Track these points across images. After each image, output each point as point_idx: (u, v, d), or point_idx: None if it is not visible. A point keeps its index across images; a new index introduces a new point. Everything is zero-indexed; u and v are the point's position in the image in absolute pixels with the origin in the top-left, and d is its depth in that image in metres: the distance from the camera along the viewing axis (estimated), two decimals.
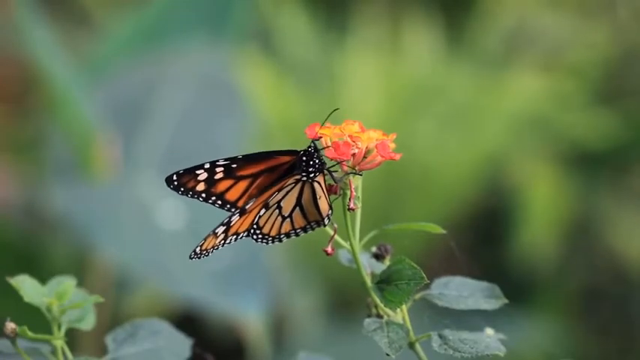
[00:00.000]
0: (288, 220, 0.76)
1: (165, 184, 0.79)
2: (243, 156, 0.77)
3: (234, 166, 0.77)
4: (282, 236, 0.77)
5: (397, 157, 0.74)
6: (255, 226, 0.77)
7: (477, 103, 2.16)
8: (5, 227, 1.86)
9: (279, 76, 2.14)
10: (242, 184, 0.77)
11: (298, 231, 0.77)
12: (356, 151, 0.73)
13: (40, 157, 1.91)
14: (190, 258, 0.77)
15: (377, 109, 2.09)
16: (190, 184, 0.78)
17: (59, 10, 2.32)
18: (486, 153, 2.13)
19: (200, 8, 1.90)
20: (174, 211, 1.62)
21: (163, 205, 1.63)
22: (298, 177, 0.75)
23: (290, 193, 0.76)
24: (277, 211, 0.76)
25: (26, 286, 0.76)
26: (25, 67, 2.06)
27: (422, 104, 2.15)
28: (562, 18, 2.39)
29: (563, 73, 2.31)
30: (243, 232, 0.77)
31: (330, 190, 0.75)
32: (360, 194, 0.74)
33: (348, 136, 0.74)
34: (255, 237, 0.77)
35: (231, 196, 0.78)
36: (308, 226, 0.76)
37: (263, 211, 0.76)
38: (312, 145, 0.76)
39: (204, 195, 0.78)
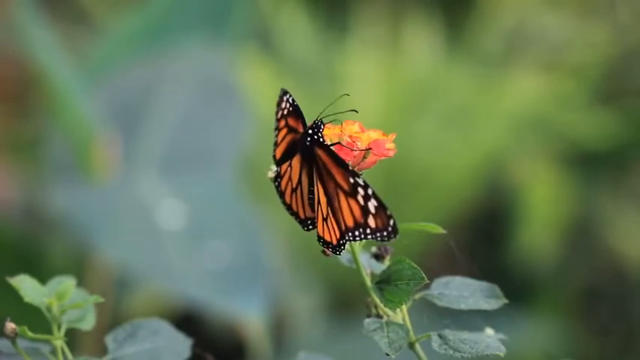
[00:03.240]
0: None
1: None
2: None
3: None
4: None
5: (391, 154, 0.73)
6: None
7: (477, 103, 2.16)
8: (5, 227, 1.86)
9: (279, 76, 2.13)
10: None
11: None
12: (356, 151, 0.73)
13: (40, 157, 1.91)
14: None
15: (377, 109, 2.09)
16: None
17: (59, 10, 2.32)
18: (486, 153, 2.13)
19: (200, 8, 1.90)
20: (174, 211, 1.62)
21: (163, 205, 1.63)
22: None
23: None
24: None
25: (26, 286, 0.76)
26: (25, 67, 2.06)
27: (422, 104, 2.14)
28: (562, 18, 2.39)
29: (563, 73, 2.31)
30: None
31: None
32: None
33: (348, 136, 0.74)
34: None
35: None
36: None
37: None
38: (319, 120, 0.75)
39: None
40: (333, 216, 0.70)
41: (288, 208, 0.75)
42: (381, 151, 0.73)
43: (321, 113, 0.75)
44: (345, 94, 0.79)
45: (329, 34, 2.28)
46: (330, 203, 0.71)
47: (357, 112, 0.77)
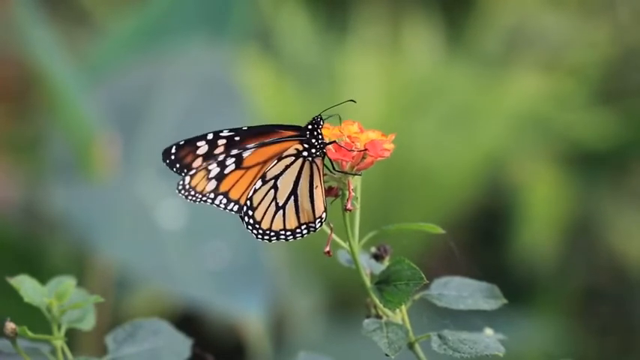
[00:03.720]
0: (281, 213, 0.73)
1: (162, 158, 0.75)
2: (247, 127, 0.74)
3: (236, 138, 0.74)
4: (271, 233, 0.74)
5: (386, 154, 0.73)
6: (248, 203, 0.73)
7: (477, 103, 2.16)
8: (5, 227, 1.86)
9: (279, 76, 2.13)
10: None
11: (288, 234, 0.74)
12: (355, 152, 0.73)
13: (40, 157, 1.91)
14: (178, 190, 0.74)
15: (377, 109, 2.09)
16: (187, 159, 0.75)
17: (59, 10, 2.32)
18: (486, 153, 2.13)
19: (200, 8, 1.90)
20: (174, 211, 1.62)
21: (163, 205, 1.63)
22: (300, 147, 0.73)
23: (289, 170, 0.73)
24: (273, 192, 0.73)
25: (26, 286, 0.76)
26: (25, 67, 2.06)
27: (422, 104, 2.15)
28: (562, 18, 2.39)
29: (563, 73, 2.31)
30: (235, 202, 0.73)
31: (329, 192, 0.74)
32: (358, 195, 0.74)
33: (347, 136, 0.74)
34: (246, 219, 0.74)
35: None
36: (298, 230, 0.74)
37: (259, 184, 0.73)
38: (318, 117, 0.74)
39: None
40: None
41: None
42: (376, 151, 0.73)
43: (323, 113, 0.75)
44: (351, 100, 0.78)
45: (329, 34, 2.28)
46: None
47: (354, 101, 0.77)
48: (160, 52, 1.84)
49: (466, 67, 2.22)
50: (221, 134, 0.74)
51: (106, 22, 2.25)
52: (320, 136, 0.74)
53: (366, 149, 0.73)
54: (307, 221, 0.74)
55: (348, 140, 0.73)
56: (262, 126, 0.75)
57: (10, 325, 0.73)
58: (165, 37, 1.87)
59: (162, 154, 0.75)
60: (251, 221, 0.74)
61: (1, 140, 2.10)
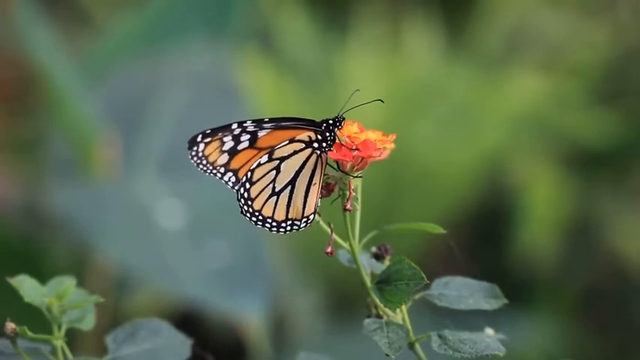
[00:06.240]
0: (274, 199, 0.73)
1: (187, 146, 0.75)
2: (268, 119, 0.75)
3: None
4: (259, 216, 0.73)
5: (378, 155, 0.73)
6: (248, 175, 0.73)
7: (477, 103, 2.16)
8: (5, 227, 1.86)
9: (279, 76, 2.13)
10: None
11: (273, 224, 0.73)
12: (355, 152, 0.73)
13: (40, 157, 1.91)
14: (190, 156, 0.74)
15: (377, 109, 2.09)
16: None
17: (59, 10, 2.32)
18: (486, 153, 2.13)
19: (200, 8, 1.90)
20: (174, 211, 1.62)
21: (163, 205, 1.63)
22: (313, 137, 0.73)
23: (296, 157, 0.73)
24: (274, 173, 0.73)
25: (26, 286, 0.76)
26: (25, 67, 2.06)
27: (422, 104, 2.15)
28: (562, 18, 2.39)
29: (563, 73, 2.31)
30: (234, 172, 0.73)
31: (328, 189, 0.74)
32: (359, 195, 0.74)
33: (347, 136, 0.73)
34: (241, 191, 0.73)
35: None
36: (283, 224, 0.73)
37: (265, 159, 0.73)
38: (341, 116, 0.74)
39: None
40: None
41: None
42: (367, 152, 0.72)
43: (342, 110, 0.75)
44: (356, 90, 0.78)
45: (329, 33, 2.28)
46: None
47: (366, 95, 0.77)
48: (159, 52, 1.84)
49: (466, 66, 2.22)
50: (245, 124, 0.74)
51: (106, 22, 2.24)
52: (334, 134, 0.74)
53: (357, 149, 0.72)
54: (294, 218, 0.74)
55: (348, 140, 0.73)
56: (283, 118, 0.75)
57: (10, 325, 0.73)
58: (164, 36, 1.87)
59: (188, 142, 0.75)
60: (245, 195, 0.73)
61: (1, 140, 2.10)
